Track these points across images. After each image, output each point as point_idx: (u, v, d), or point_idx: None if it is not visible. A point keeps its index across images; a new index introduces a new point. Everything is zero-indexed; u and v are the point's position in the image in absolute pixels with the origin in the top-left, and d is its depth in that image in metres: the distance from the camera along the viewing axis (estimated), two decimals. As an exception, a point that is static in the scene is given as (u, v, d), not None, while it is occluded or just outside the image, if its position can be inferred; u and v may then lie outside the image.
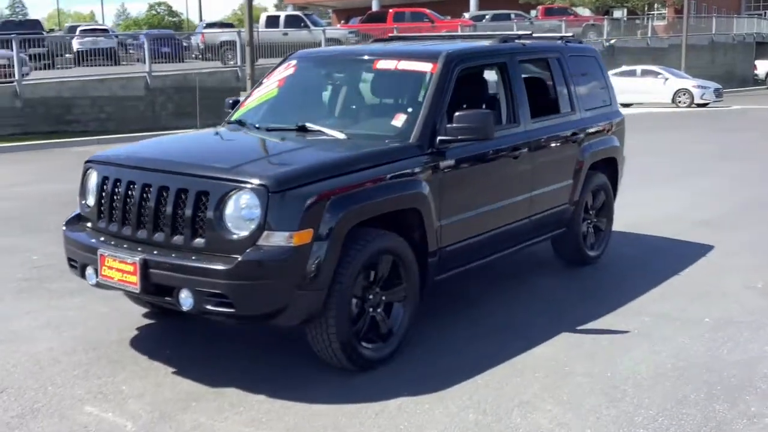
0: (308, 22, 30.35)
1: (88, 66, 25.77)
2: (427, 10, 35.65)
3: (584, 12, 47.12)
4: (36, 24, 33.35)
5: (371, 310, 4.91)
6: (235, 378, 4.79)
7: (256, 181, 4.42)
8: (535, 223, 6.35)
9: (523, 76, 6.37)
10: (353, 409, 4.39)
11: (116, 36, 35.97)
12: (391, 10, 35.50)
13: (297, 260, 4.40)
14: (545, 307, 6.17)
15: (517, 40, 6.59)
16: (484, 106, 6.03)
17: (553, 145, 6.50)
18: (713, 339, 5.47)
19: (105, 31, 35.56)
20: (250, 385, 4.70)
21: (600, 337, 5.50)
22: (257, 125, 5.76)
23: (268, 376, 4.85)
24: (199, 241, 4.51)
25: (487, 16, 38.28)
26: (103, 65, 26.05)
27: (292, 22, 30.56)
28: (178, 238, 4.58)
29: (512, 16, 38.37)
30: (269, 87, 6.23)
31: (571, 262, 7.12)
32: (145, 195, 4.72)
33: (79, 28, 34.49)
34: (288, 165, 4.74)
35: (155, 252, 4.60)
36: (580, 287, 6.73)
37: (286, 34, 28.83)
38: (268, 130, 5.57)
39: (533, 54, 6.70)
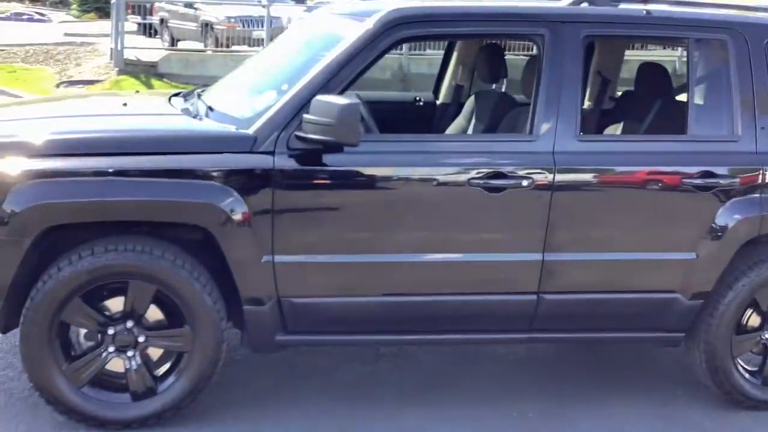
0: None
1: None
2: None
3: None
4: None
5: (111, 351, 3.55)
6: None
7: None
8: (557, 307, 3.83)
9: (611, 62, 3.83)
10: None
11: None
12: None
13: (-45, 255, 3.38)
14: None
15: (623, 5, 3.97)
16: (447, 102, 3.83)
17: (633, 184, 3.81)
18: None
19: None
20: None
21: None
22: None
23: None
24: None
25: None
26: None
27: None
28: None
29: None
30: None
31: (719, 395, 4.15)
32: None
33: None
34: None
35: None
36: None
37: None
38: (198, 95, 4.35)
39: (635, 28, 3.96)
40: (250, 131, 3.55)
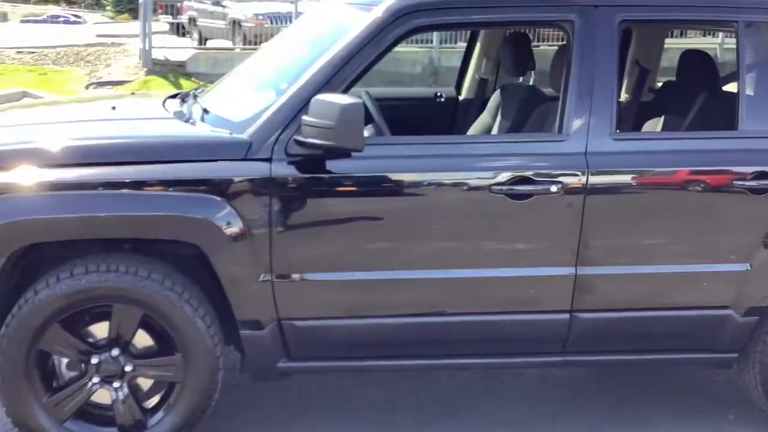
0: None
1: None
2: None
3: None
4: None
5: (95, 381, 3.21)
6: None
7: None
8: (593, 327, 3.42)
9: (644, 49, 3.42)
10: None
11: None
12: None
13: None
14: None
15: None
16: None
17: (676, 188, 3.38)
18: None
19: None
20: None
21: None
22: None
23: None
24: None
25: None
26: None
27: None
28: None
29: None
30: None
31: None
32: None
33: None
34: None
35: None
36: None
37: None
38: (195, 96, 3.98)
39: (677, 12, 3.50)
40: (245, 136, 3.19)
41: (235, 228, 3.10)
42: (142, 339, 3.25)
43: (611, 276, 3.37)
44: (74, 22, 33.90)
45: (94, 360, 3.19)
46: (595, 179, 3.25)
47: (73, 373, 3.24)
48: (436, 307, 3.34)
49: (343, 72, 3.20)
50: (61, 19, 36.22)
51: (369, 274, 3.24)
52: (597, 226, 3.29)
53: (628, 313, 3.42)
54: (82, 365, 3.22)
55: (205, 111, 3.54)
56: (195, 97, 3.81)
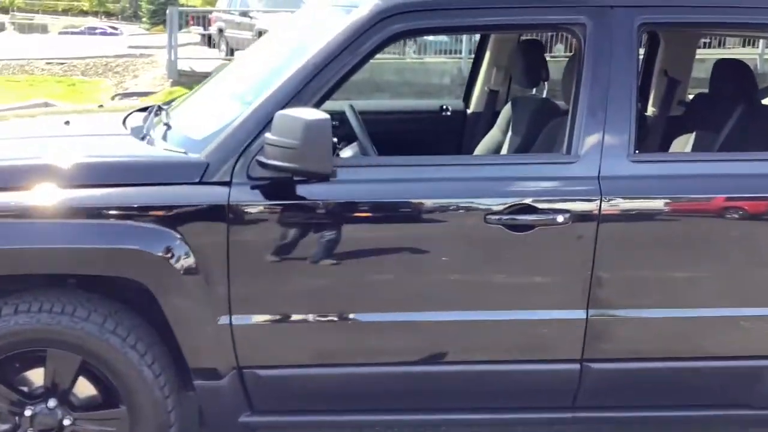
0: None
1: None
2: None
3: None
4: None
5: (29, 435, 2.81)
6: None
7: None
8: (608, 379, 2.93)
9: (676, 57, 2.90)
10: None
11: None
12: None
13: None
14: None
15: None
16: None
17: (706, 218, 2.88)
18: None
19: None
20: None
21: None
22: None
23: None
24: None
25: None
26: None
27: None
28: None
29: None
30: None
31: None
32: None
33: None
34: None
35: None
36: None
37: None
38: (159, 109, 3.54)
39: (707, 13, 2.98)
40: (202, 156, 2.76)
41: (186, 263, 2.67)
42: (84, 388, 2.83)
43: (628, 320, 2.88)
44: (111, 34, 34.12)
45: (28, 412, 2.78)
46: (609, 207, 2.77)
47: (5, 427, 2.84)
48: (423, 354, 2.89)
49: (316, 82, 2.76)
50: (98, 30, 36.52)
51: (344, 315, 2.79)
52: (611, 263, 2.80)
53: (648, 364, 2.93)
54: (15, 418, 2.81)
55: (168, 127, 3.11)
56: (161, 111, 3.39)
